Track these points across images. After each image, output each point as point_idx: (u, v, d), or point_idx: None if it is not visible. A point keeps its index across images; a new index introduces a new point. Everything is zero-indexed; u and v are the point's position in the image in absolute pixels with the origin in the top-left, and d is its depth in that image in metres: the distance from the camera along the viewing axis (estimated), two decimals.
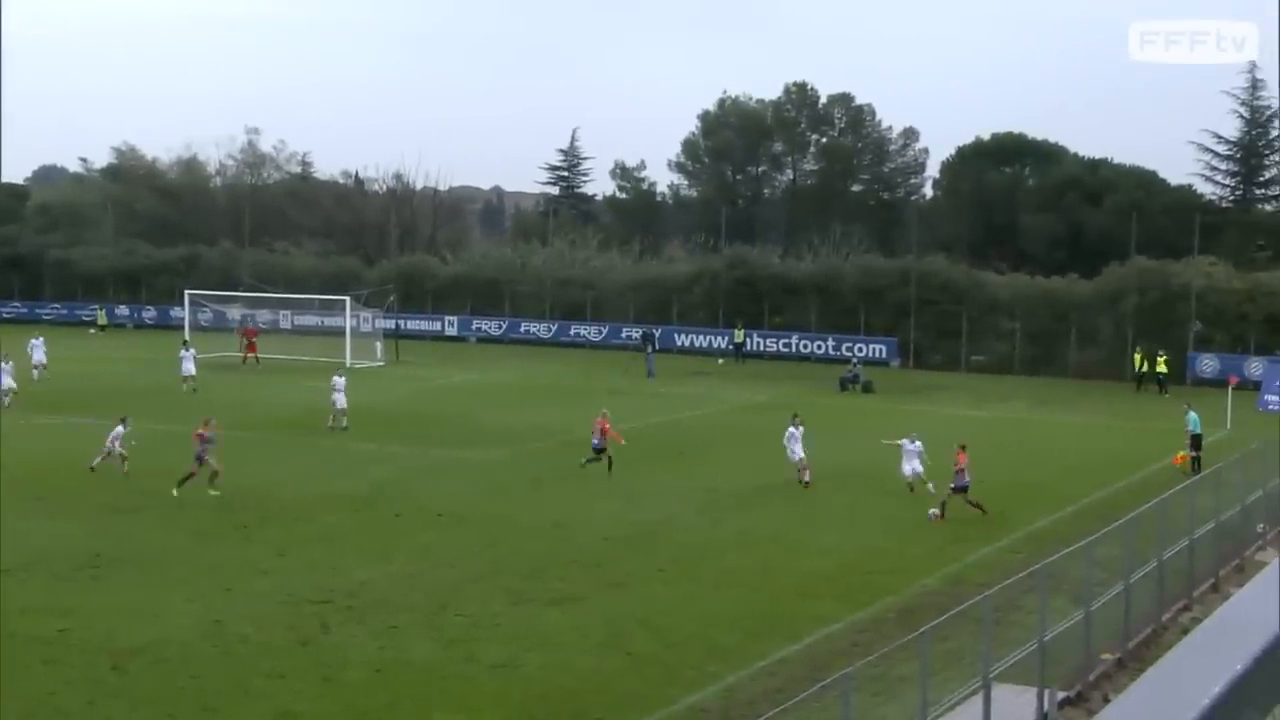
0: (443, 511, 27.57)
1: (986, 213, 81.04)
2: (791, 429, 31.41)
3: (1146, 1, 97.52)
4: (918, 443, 30.19)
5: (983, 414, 44.87)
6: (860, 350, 59.81)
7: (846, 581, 22.74)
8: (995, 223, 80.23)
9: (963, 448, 27.98)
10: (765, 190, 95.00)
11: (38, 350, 49.62)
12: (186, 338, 51.55)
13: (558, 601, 21.14)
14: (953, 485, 27.67)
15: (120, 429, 31.01)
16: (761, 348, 62.58)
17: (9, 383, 42.09)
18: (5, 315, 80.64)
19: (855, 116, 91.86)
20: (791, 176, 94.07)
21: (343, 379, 38.09)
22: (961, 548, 25.19)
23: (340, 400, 37.17)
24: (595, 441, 31.68)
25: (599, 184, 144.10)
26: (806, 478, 30.69)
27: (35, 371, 48.38)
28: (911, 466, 29.96)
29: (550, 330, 68.78)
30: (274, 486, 29.96)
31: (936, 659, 14.97)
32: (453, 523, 26.70)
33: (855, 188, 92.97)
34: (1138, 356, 52.44)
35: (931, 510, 27.75)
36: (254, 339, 57.64)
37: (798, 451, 31.10)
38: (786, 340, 62.74)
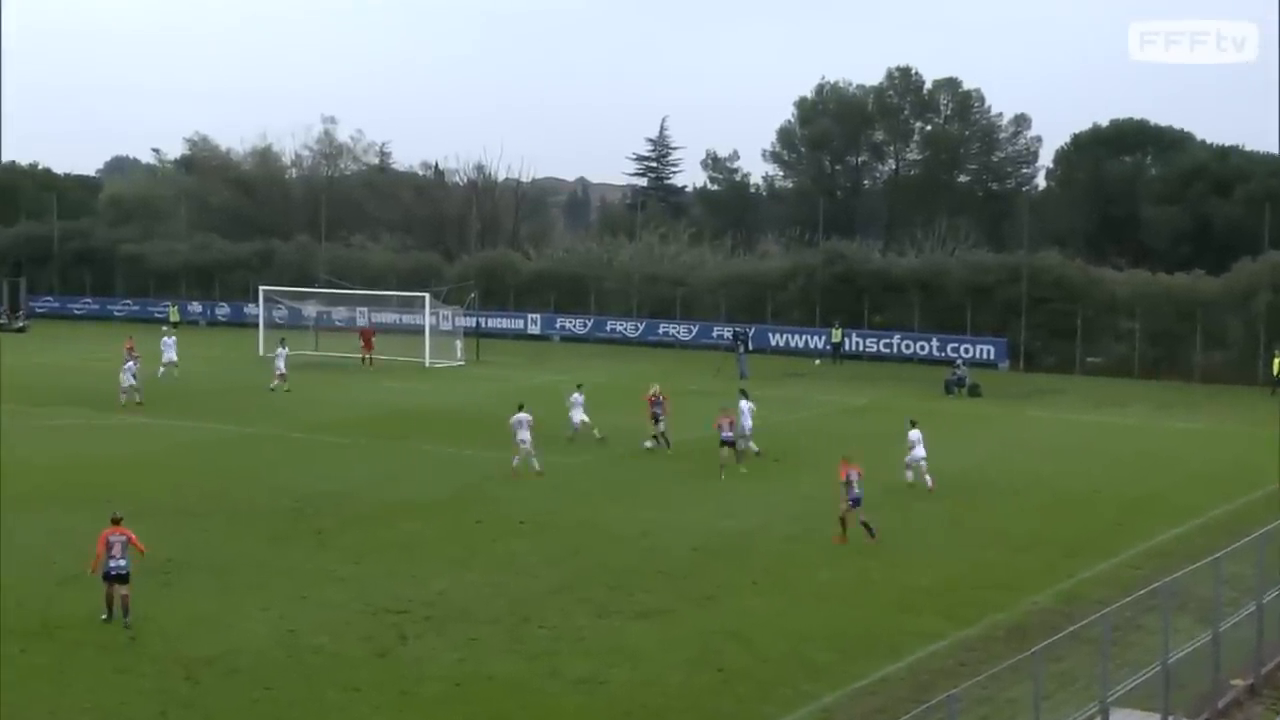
0: (525, 518, 27.73)
1: (1104, 204, 79.82)
2: (914, 433, 31.47)
3: (1147, 1, 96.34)
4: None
5: (1099, 419, 44.17)
6: (966, 351, 59.15)
7: (951, 597, 22.49)
8: (1114, 215, 78.99)
9: (846, 459, 26.69)
10: (865, 181, 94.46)
11: (169, 349, 50.53)
12: (283, 336, 52.28)
13: (645, 614, 21.15)
14: (849, 500, 26.06)
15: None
16: (860, 348, 62.17)
17: (129, 380, 43.01)
18: (77, 312, 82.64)
19: (962, 102, 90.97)
20: (893, 166, 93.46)
21: (581, 396, 37.31)
22: (1075, 562, 24.81)
23: (578, 416, 36.26)
24: (725, 434, 32.33)
25: (689, 175, 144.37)
26: (929, 482, 30.72)
27: (161, 370, 49.26)
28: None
29: (637, 329, 68.91)
30: (351, 491, 30.35)
31: (1049, 681, 14.76)
32: (535, 530, 26.85)
33: (962, 178, 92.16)
34: (1277, 361, 51.19)
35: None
36: (371, 339, 58.34)
37: (918, 454, 31.15)
38: (887, 340, 62.26)
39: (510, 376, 51.19)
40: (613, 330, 69.65)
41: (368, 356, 56.96)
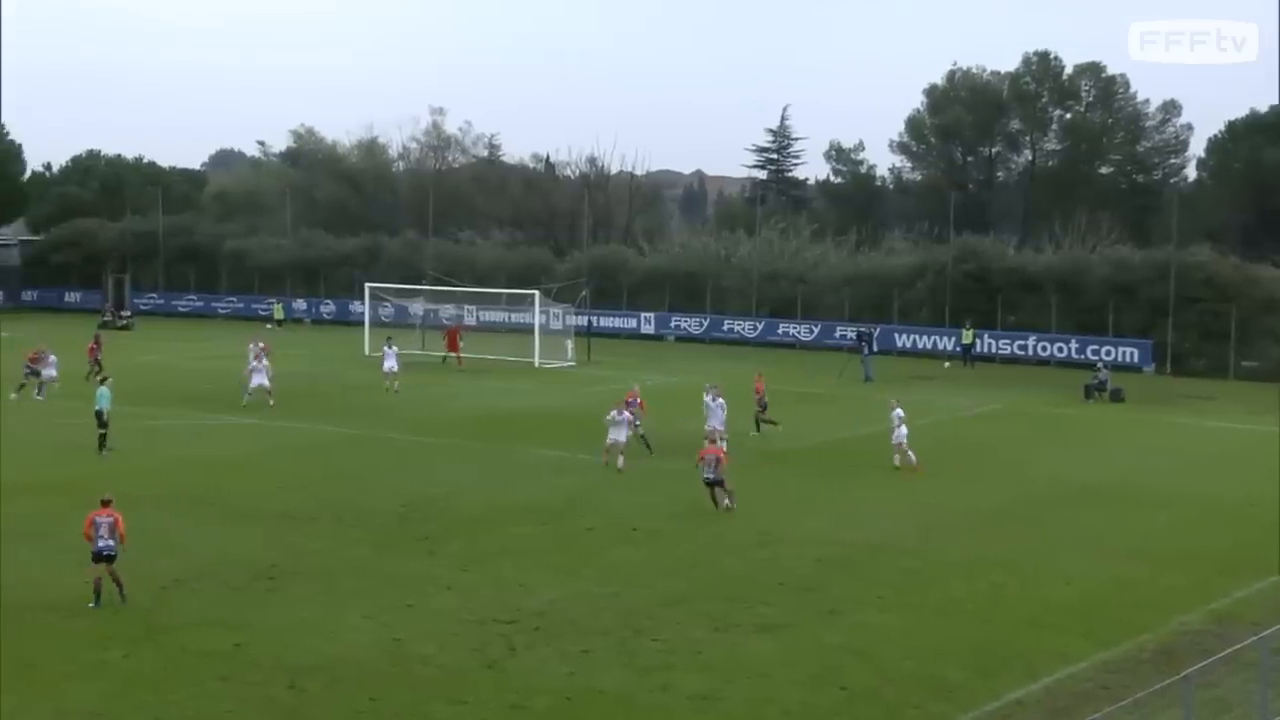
0: (638, 526, 27.79)
1: (1262, 197, 77.86)
2: (897, 411, 34.13)
3: (1149, 1, 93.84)
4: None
5: (1254, 428, 43.05)
6: (1108, 354, 58.15)
7: (1091, 615, 22.07)
8: (1272, 208, 77.00)
9: (710, 441, 30.38)
10: (999, 173, 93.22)
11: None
12: (390, 335, 52.97)
13: (764, 628, 21.08)
14: (707, 476, 28.73)
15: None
16: (993, 350, 61.46)
17: (261, 381, 43.83)
18: (181, 309, 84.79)
19: (1105, 89, 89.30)
20: (1030, 157, 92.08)
21: (901, 411, 35.98)
22: (1229, 580, 24.19)
23: (902, 433, 35.18)
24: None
25: (812, 167, 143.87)
26: (912, 459, 33.06)
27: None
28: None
29: (756, 329, 68.78)
30: (458, 495, 30.68)
31: (1202, 708, 14.42)
32: (648, 539, 26.89)
33: (1104, 169, 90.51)
34: None
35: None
36: (457, 338, 59.03)
37: (903, 433, 33.61)
38: (1022, 342, 61.44)
39: (622, 378, 51.26)
40: (730, 330, 69.61)
41: (453, 356, 57.48)
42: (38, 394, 44.57)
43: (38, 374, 45.17)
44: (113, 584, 21.46)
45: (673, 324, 71.55)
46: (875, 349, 57.82)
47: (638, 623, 21.16)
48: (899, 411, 34.47)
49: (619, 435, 33.82)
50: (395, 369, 48.10)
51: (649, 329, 71.82)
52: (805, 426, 40.89)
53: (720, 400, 35.97)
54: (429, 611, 21.66)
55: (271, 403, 43.15)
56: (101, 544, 21.35)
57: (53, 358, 45.49)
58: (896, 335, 64.34)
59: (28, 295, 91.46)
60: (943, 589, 23.58)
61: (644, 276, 74.40)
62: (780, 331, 68.08)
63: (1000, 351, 61.55)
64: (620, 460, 33.47)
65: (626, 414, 34.48)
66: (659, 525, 27.94)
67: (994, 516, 29.39)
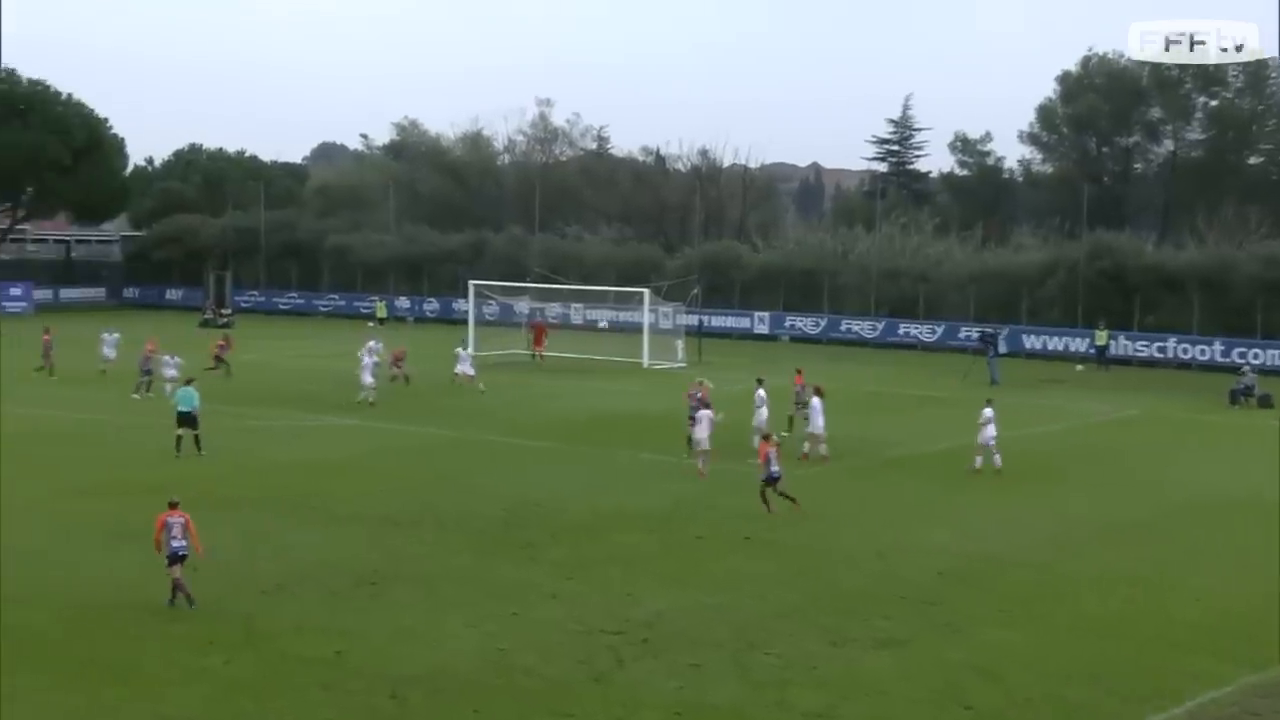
0: (750, 534, 27.77)
1: None
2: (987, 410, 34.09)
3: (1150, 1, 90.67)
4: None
5: None
6: (1256, 357, 57.04)
7: (1234, 635, 21.63)
8: None
9: (765, 437, 30.51)
10: (1137, 164, 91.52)
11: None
12: (464, 337, 53.67)
13: (882, 644, 20.96)
14: (763, 476, 29.31)
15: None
16: (1130, 352, 60.60)
17: (370, 379, 44.83)
18: (282, 307, 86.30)
19: (1255, 73, 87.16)
20: (1171, 148, 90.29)
21: (991, 411, 35.49)
22: None
23: (989, 433, 34.63)
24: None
25: (935, 159, 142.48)
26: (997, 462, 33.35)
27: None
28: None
29: (875, 329, 68.41)
30: (562, 500, 30.89)
31: None
32: (761, 547, 26.87)
33: (1253, 160, 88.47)
34: None
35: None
36: (543, 334, 59.59)
37: (990, 433, 33.71)
38: (1161, 343, 60.49)
39: (734, 379, 51.26)
40: (848, 330, 69.30)
41: (538, 354, 57.85)
42: (145, 392, 45.46)
43: (149, 373, 46.15)
44: (180, 585, 22.00)
45: (787, 324, 71.37)
46: (1002, 351, 57.19)
47: (751, 635, 21.16)
48: (989, 411, 34.60)
49: (700, 432, 33.70)
50: (470, 372, 48.51)
51: (762, 329, 71.72)
52: (927, 431, 40.57)
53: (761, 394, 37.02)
54: (533, 621, 21.84)
55: (371, 400, 43.85)
56: (175, 544, 21.91)
57: (174, 359, 46.02)
58: (1025, 336, 63.66)
59: (129, 292, 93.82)
60: (1072, 605, 23.28)
61: (757, 274, 74.29)
62: (901, 332, 67.63)
63: (1137, 354, 60.67)
64: (700, 463, 33.35)
65: (710, 411, 34.29)
66: (772, 534, 27.89)
67: (1128, 529, 28.94)
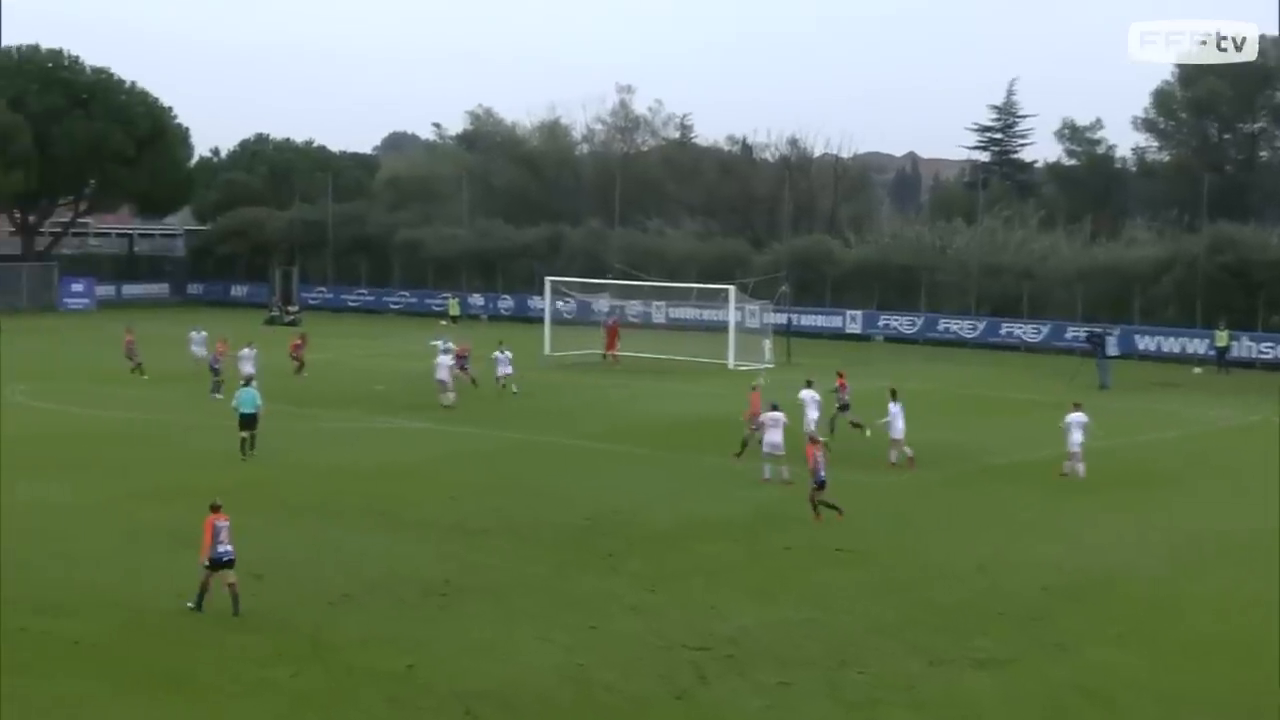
0: (841, 546, 27.65)
1: None
2: (1076, 415, 34.18)
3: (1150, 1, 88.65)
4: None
5: None
6: None
7: None
8: None
9: (813, 440, 30.60)
10: (1263, 152, 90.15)
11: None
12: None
13: (983, 663, 20.81)
14: (813, 482, 29.47)
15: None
16: (1254, 354, 59.84)
17: (446, 377, 45.28)
18: (350, 304, 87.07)
19: None
20: None
21: (1083, 416, 35.18)
22: None
23: (1076, 439, 34.44)
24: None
25: (1041, 148, 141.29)
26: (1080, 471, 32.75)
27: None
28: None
29: (976, 329, 67.91)
30: (643, 508, 30.92)
31: None
32: (853, 560, 26.74)
33: None
34: None
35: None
36: (616, 335, 59.67)
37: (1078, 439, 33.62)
38: None
39: (825, 382, 51.20)
40: (946, 330, 68.87)
41: (611, 354, 57.91)
42: (216, 393, 45.81)
43: (218, 371, 46.66)
44: (230, 594, 22.18)
45: (881, 323, 71.04)
46: (1113, 352, 56.57)
47: (842, 653, 21.07)
48: (1076, 416, 34.51)
49: (775, 436, 33.41)
50: (511, 373, 48.40)
51: (855, 328, 71.42)
52: (1030, 437, 40.18)
53: (812, 394, 37.67)
54: (612, 635, 21.87)
55: (450, 405, 44.16)
56: (221, 549, 22.16)
57: (251, 350, 46.03)
58: (1138, 337, 62.99)
59: (193, 288, 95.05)
60: (1190, 626, 23.01)
61: (850, 270, 74.02)
62: (1003, 332, 67.10)
63: (1261, 355, 59.88)
64: (783, 471, 33.11)
65: (781, 414, 33.90)
66: (865, 546, 27.75)
67: (1249, 545, 28.47)
